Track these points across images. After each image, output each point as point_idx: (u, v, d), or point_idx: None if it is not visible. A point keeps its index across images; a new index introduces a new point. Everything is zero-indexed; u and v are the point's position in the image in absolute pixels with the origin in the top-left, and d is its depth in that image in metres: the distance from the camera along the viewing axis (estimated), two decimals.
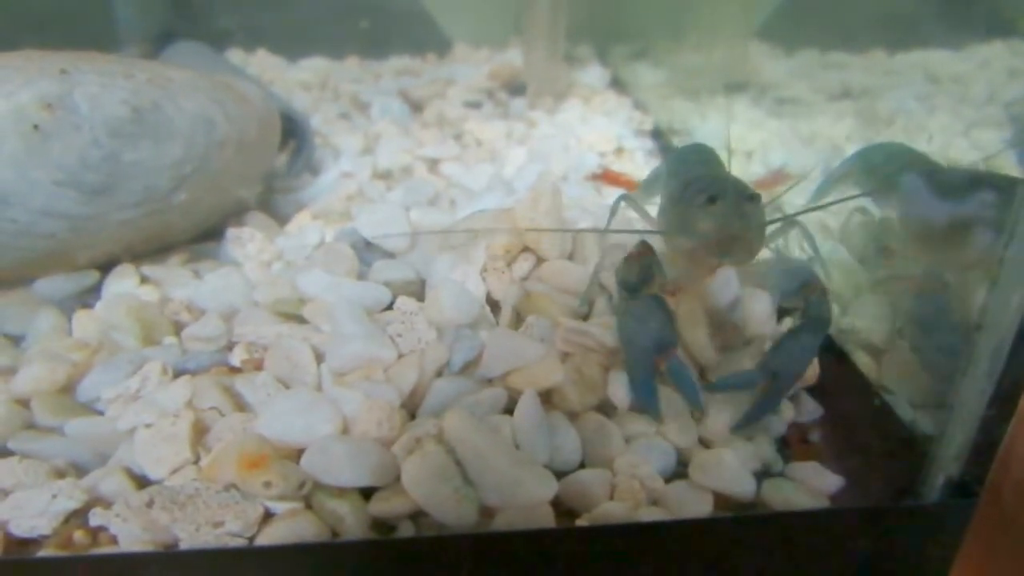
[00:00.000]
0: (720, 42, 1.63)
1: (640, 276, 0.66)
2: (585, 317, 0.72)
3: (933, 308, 0.72)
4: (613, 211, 0.85)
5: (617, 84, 1.71)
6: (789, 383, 0.65)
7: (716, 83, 1.59)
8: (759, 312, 0.70)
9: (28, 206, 0.74)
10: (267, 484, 0.53)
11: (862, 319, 0.76)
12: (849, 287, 0.81)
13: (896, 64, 1.72)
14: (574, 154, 1.23)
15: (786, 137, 1.31)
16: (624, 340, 0.65)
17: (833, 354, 0.73)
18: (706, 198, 0.66)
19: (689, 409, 0.66)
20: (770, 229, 0.72)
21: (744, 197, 0.66)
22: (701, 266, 0.68)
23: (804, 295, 0.66)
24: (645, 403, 0.64)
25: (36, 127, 0.73)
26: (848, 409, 0.70)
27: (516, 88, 1.62)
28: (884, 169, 0.89)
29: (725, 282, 0.69)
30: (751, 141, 1.27)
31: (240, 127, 0.91)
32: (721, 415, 0.65)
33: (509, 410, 0.63)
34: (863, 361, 0.73)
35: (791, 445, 0.69)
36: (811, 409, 0.71)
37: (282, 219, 1.04)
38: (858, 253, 0.85)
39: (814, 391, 0.72)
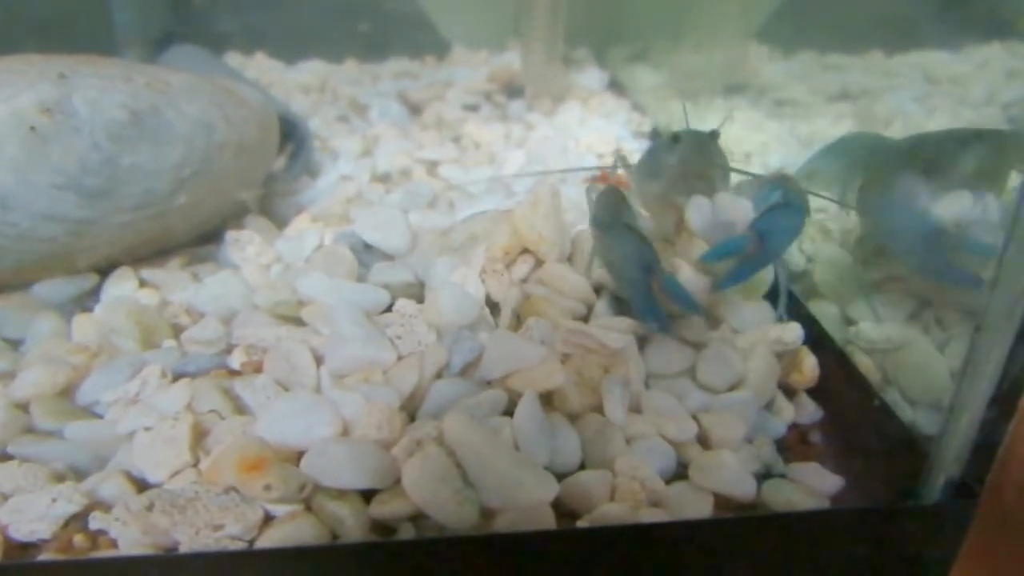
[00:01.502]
0: (719, 44, 1.63)
1: (610, 212, 0.72)
2: (585, 319, 0.72)
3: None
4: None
5: (615, 86, 1.72)
6: (776, 246, 0.67)
7: (715, 85, 1.59)
8: (744, 209, 0.72)
9: (28, 210, 0.74)
10: (267, 487, 0.53)
11: (862, 319, 0.76)
12: (849, 288, 0.81)
13: (894, 65, 1.72)
14: (572, 156, 1.23)
15: (785, 139, 1.31)
16: (614, 273, 0.71)
17: (833, 355, 0.73)
18: (671, 137, 0.74)
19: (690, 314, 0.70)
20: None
21: (705, 135, 0.73)
22: (672, 208, 0.75)
23: (782, 189, 0.70)
24: (653, 324, 0.67)
25: (35, 130, 0.73)
26: (848, 410, 0.70)
27: (514, 90, 1.62)
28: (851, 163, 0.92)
29: (699, 205, 0.73)
30: (750, 143, 1.27)
31: (239, 130, 0.92)
32: (726, 426, 0.65)
33: (509, 412, 0.63)
34: (863, 362, 0.73)
35: (791, 446, 0.69)
36: (811, 410, 0.71)
37: (281, 222, 1.04)
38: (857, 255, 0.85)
39: (814, 392, 0.72)
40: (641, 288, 0.66)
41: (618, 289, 0.74)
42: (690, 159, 0.72)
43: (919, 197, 0.73)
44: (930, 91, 1.56)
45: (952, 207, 0.71)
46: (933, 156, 0.76)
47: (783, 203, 0.69)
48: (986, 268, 0.63)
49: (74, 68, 0.79)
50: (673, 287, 0.66)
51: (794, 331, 0.73)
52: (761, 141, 1.27)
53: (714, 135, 0.75)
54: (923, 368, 0.71)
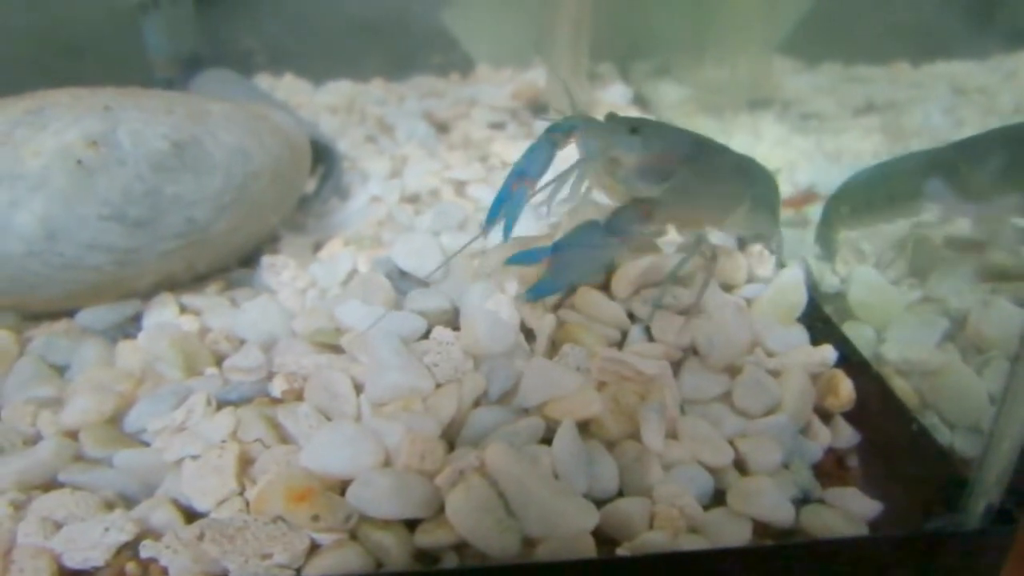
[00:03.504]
0: (742, 57, 1.63)
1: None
2: (619, 345, 0.73)
3: None
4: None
5: (640, 101, 1.72)
6: (567, 265, 0.68)
7: (740, 99, 1.59)
8: None
9: (75, 240, 0.76)
10: (315, 518, 0.54)
11: (898, 341, 0.76)
12: (884, 310, 0.81)
13: (921, 76, 1.71)
14: None
15: (812, 154, 1.31)
16: None
17: (869, 378, 0.73)
18: None
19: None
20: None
21: (625, 124, 0.73)
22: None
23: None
24: (488, 217, 0.72)
25: (82, 164, 0.76)
26: (885, 434, 0.70)
27: (539, 107, 1.63)
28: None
29: None
30: (777, 160, 1.27)
31: (274, 157, 0.93)
32: (762, 451, 0.65)
33: (547, 439, 0.63)
34: (899, 385, 0.73)
35: (828, 471, 0.69)
36: (848, 434, 0.71)
37: (314, 245, 1.05)
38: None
39: (850, 416, 0.72)
40: (504, 188, 0.72)
41: None
42: (595, 138, 0.73)
43: None
44: (957, 102, 1.55)
45: None
46: None
47: (593, 222, 0.68)
48: None
49: (118, 101, 0.81)
50: (513, 204, 0.71)
51: (828, 354, 0.74)
52: (788, 158, 1.27)
53: (636, 130, 0.73)
54: (961, 391, 0.70)
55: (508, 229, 0.73)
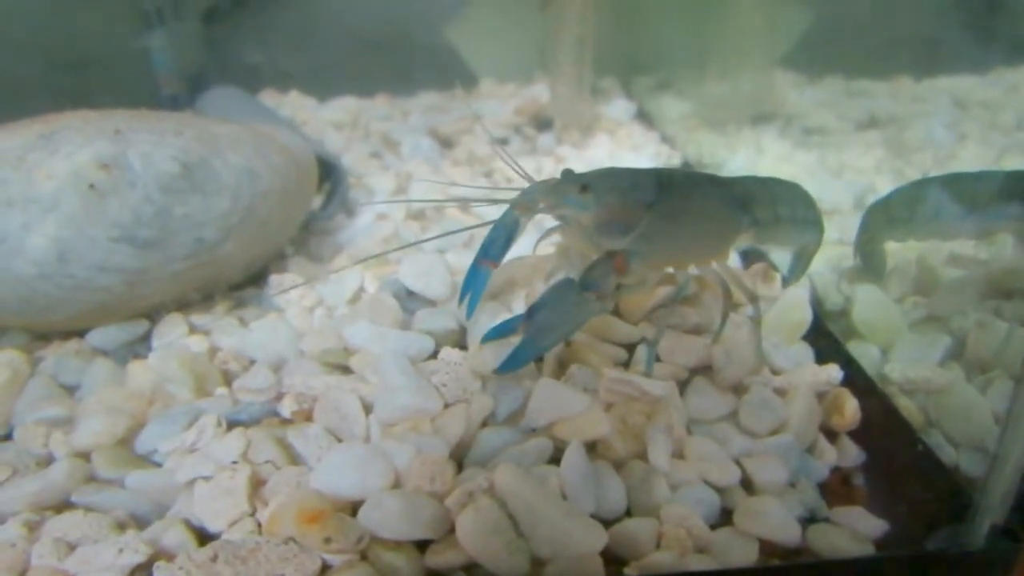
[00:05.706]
0: (745, 72, 1.64)
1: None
2: (626, 364, 0.74)
3: None
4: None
5: (642, 116, 1.73)
6: (544, 327, 0.64)
7: (742, 114, 1.60)
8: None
9: (85, 262, 0.77)
10: (327, 540, 0.55)
11: (902, 360, 0.77)
12: (888, 329, 0.81)
13: (922, 90, 1.72)
14: None
15: (815, 170, 1.32)
16: None
17: (874, 397, 0.74)
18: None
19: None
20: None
21: (576, 181, 0.71)
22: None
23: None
24: (462, 292, 0.75)
25: (93, 187, 0.77)
26: (890, 453, 0.71)
27: (543, 123, 1.64)
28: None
29: None
30: (780, 175, 1.27)
31: (282, 176, 0.94)
32: (769, 470, 0.66)
33: (555, 459, 0.64)
34: (904, 404, 0.73)
35: (834, 489, 0.69)
36: (853, 453, 0.71)
37: (320, 262, 1.06)
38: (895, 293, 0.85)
39: (856, 435, 0.73)
40: (473, 265, 0.74)
41: None
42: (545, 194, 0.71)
43: None
44: (960, 117, 1.56)
45: None
46: None
47: (565, 280, 0.66)
48: None
49: (128, 124, 0.82)
50: (471, 280, 0.74)
51: (834, 373, 0.74)
52: (792, 173, 1.27)
53: (585, 188, 0.70)
54: (966, 410, 0.71)
55: (471, 308, 0.75)
